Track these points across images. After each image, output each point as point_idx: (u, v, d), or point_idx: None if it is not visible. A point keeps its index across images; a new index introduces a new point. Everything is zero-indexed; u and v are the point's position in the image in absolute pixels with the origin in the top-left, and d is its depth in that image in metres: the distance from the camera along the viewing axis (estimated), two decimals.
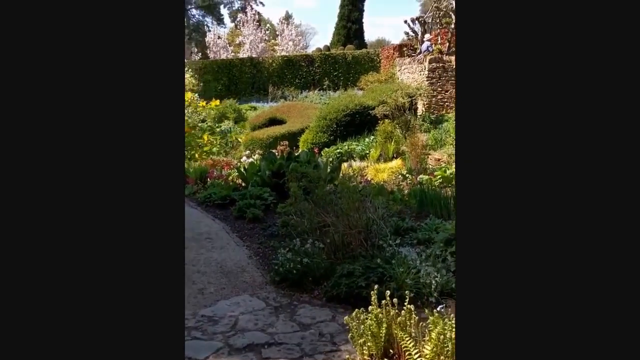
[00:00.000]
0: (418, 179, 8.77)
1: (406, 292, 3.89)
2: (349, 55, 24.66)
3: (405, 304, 3.09)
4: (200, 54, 34.81)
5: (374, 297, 2.90)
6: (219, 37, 35.31)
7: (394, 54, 19.68)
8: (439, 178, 8.69)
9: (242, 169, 8.97)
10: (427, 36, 14.55)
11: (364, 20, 34.67)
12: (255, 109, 18.98)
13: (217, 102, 14.80)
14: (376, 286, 3.92)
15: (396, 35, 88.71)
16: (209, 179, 9.04)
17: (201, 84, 20.18)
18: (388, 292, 3.21)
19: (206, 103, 13.89)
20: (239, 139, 13.76)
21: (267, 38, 35.01)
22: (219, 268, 5.00)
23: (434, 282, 3.93)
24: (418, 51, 14.87)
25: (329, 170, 8.83)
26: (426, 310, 3.08)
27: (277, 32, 36.32)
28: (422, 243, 5.32)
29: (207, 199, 7.76)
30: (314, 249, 4.59)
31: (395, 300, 3.19)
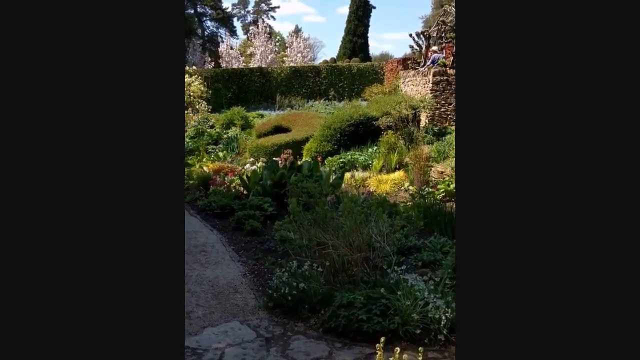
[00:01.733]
0: (421, 191, 8.12)
1: (412, 328, 3.26)
2: (354, 67, 24.12)
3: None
4: (213, 63, 34.31)
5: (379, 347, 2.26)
6: (231, 48, 34.98)
7: (397, 67, 19.10)
8: (442, 192, 8.05)
9: (245, 177, 8.35)
10: (434, 48, 13.91)
11: (368, 35, 34.38)
12: (262, 116, 18.37)
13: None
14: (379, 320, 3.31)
15: (398, 50, 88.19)
16: (211, 186, 8.42)
17: (210, 92, 19.58)
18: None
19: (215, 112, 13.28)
20: (245, 146, 13.16)
21: (277, 50, 34.62)
22: (211, 287, 4.37)
23: (443, 317, 3.29)
24: (423, 63, 14.23)
25: (331, 180, 8.21)
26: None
27: (287, 45, 35.88)
28: (427, 265, 4.69)
29: (207, 207, 7.14)
30: (312, 271, 3.95)
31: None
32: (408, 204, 7.61)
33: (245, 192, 7.97)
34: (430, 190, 8.03)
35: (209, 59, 35.05)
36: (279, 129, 13.89)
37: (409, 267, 4.66)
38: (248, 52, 35.22)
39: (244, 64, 32.80)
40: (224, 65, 32.33)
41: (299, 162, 9.24)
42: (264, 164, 9.57)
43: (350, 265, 4.01)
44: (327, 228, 4.11)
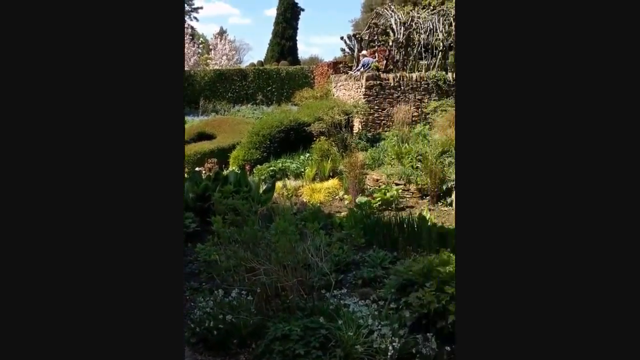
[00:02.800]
0: (357, 200, 7.95)
1: None
2: (283, 70, 23.87)
3: None
4: None
5: None
6: None
7: (328, 70, 19.06)
8: (379, 200, 7.93)
9: None
10: (364, 52, 13.92)
11: (297, 38, 34.34)
12: (184, 122, 17.65)
13: None
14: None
15: (328, 54, 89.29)
16: None
17: None
18: None
19: None
20: None
21: (200, 52, 33.65)
22: None
23: (390, 347, 3.04)
24: (355, 67, 14.22)
25: (261, 191, 7.83)
26: None
27: (211, 47, 35.02)
28: (368, 284, 4.45)
29: None
30: (241, 300, 3.57)
31: None
32: (343, 214, 7.40)
33: None
34: (366, 199, 7.88)
35: None
36: (202, 136, 13.31)
37: (348, 285, 4.40)
38: None
39: None
40: None
41: (224, 172, 8.77)
42: (186, 175, 9.00)
43: (285, 290, 3.67)
44: (257, 250, 3.75)
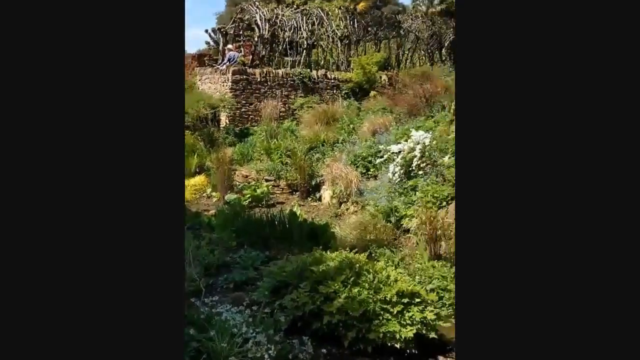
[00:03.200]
0: (226, 198, 7.64)
1: None
2: None
3: None
4: None
5: None
6: None
7: (192, 63, 18.27)
8: (249, 197, 7.70)
9: None
10: (230, 46, 13.52)
11: None
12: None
13: None
14: None
15: (190, 46, 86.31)
16: None
17: None
18: None
19: None
20: None
21: None
22: None
23: (266, 355, 2.85)
24: (220, 61, 13.76)
25: None
26: None
27: None
28: (240, 287, 4.22)
29: None
30: None
31: None
32: (212, 212, 7.06)
33: None
34: (236, 196, 7.61)
35: None
36: None
37: (220, 290, 4.13)
38: None
39: None
40: None
41: None
42: None
43: None
44: None
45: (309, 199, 8.04)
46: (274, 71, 12.54)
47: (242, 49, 14.06)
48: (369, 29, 15.09)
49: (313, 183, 8.16)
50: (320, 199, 7.91)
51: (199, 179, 8.74)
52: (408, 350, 3.40)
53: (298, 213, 6.44)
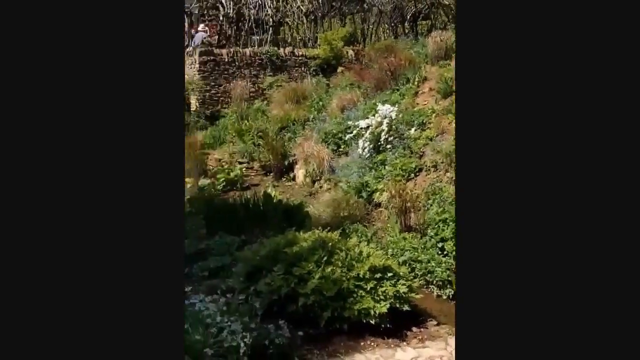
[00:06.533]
0: (199, 183, 7.48)
1: None
2: None
3: None
4: None
5: None
6: None
7: None
8: (222, 181, 7.56)
9: None
10: (201, 26, 13.07)
11: None
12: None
13: None
14: None
15: None
16: None
17: None
18: None
19: None
20: None
21: None
22: None
23: (242, 344, 2.80)
24: (187, 43, 13.32)
25: None
26: None
27: None
28: (215, 274, 4.14)
29: None
30: None
31: None
32: (186, 198, 6.91)
33: None
34: (209, 181, 7.45)
35: None
36: None
37: (194, 279, 4.03)
38: None
39: None
40: None
41: None
42: None
43: None
44: None
45: (283, 179, 7.94)
46: (241, 51, 12.21)
47: (207, 29, 13.63)
48: (334, 4, 14.77)
49: (286, 163, 8.04)
50: (294, 179, 7.81)
51: None
52: (383, 325, 3.39)
53: (273, 194, 6.34)
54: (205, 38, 12.51)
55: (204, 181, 7.49)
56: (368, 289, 3.52)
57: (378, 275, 3.63)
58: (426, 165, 5.98)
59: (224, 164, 8.35)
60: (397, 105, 7.12)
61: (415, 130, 6.56)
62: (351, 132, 7.24)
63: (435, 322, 3.74)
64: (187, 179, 8.06)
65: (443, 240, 4.57)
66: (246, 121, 9.59)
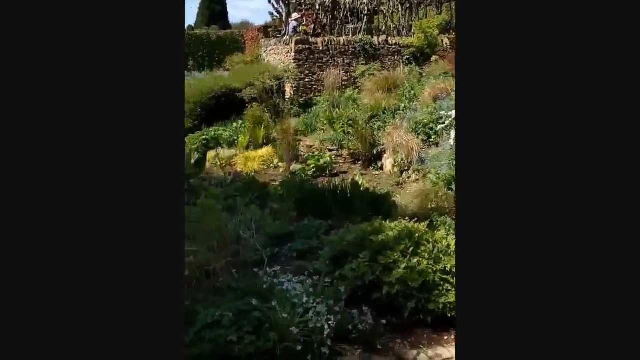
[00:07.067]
0: (291, 168, 7.68)
1: (292, 344, 2.76)
2: (214, 35, 22.67)
3: None
4: None
5: None
6: None
7: (258, 35, 18.26)
8: (313, 167, 7.69)
9: None
10: (294, 15, 13.33)
11: (227, 2, 32.82)
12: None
13: None
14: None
15: (258, 18, 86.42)
16: None
17: None
18: None
19: None
20: None
21: None
22: None
23: (326, 326, 2.84)
24: (283, 32, 13.64)
25: (193, 161, 7.36)
26: None
27: None
28: (303, 256, 4.23)
29: None
30: None
31: None
32: (278, 182, 7.12)
33: None
34: (300, 166, 7.62)
35: None
36: None
37: (284, 260, 4.16)
38: None
39: None
40: None
41: None
42: None
43: (215, 271, 3.38)
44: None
45: (371, 168, 7.90)
46: (335, 39, 12.26)
47: (304, 18, 13.84)
48: None
49: (375, 152, 7.99)
50: (382, 168, 7.75)
51: (266, 150, 8.83)
52: None
53: (360, 182, 6.35)
54: (298, 27, 12.71)
55: (295, 166, 7.67)
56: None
57: None
58: None
59: (314, 150, 8.49)
60: None
61: None
62: (443, 123, 7.03)
63: None
64: (280, 163, 8.32)
65: None
66: (337, 109, 9.65)
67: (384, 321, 3.13)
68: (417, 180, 6.58)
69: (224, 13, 32.61)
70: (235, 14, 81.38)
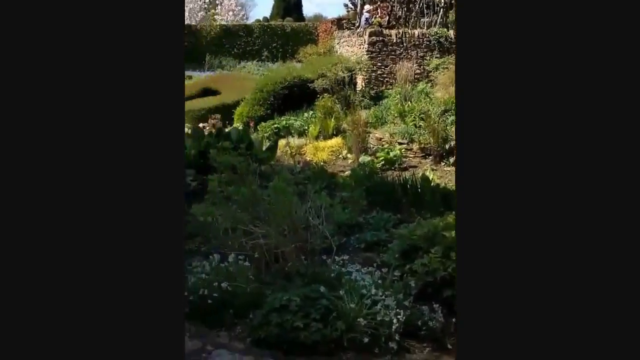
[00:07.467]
0: (360, 160, 7.56)
1: (359, 335, 2.67)
2: (288, 26, 22.93)
3: None
4: None
5: None
6: None
7: (332, 27, 18.22)
8: (382, 160, 7.54)
9: None
10: (367, 7, 13.14)
11: None
12: (190, 78, 17.02)
13: None
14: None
15: (331, 12, 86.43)
16: None
17: None
18: None
19: None
20: None
21: (207, 7, 32.42)
22: None
23: (395, 320, 2.72)
24: (357, 24, 13.49)
25: (264, 148, 7.44)
26: None
27: (217, 2, 33.70)
28: (371, 248, 4.12)
29: None
30: (238, 266, 3.25)
31: None
32: (347, 173, 7.04)
33: None
34: (369, 158, 7.48)
35: None
36: (207, 92, 12.77)
37: (351, 250, 4.07)
38: None
39: None
40: None
41: (227, 129, 8.35)
42: (188, 131, 8.58)
43: (284, 256, 3.34)
44: (255, 212, 3.40)
45: (442, 164, 7.63)
46: (409, 32, 11.95)
47: (378, 10, 13.60)
48: None
49: (447, 147, 7.70)
50: (454, 164, 7.45)
51: (336, 141, 8.77)
52: None
53: (430, 177, 6.13)
54: (370, 18, 12.50)
55: (364, 158, 7.55)
56: None
57: None
58: None
59: (384, 143, 8.32)
60: None
61: None
62: None
63: None
64: (348, 155, 8.23)
65: None
66: (409, 102, 9.40)
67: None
68: None
69: (299, 5, 32.91)
70: (310, 7, 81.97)
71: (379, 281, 3.08)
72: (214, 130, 7.92)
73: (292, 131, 9.67)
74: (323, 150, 8.42)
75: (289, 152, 8.33)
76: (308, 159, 8.11)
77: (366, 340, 2.67)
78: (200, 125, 9.42)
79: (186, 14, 30.35)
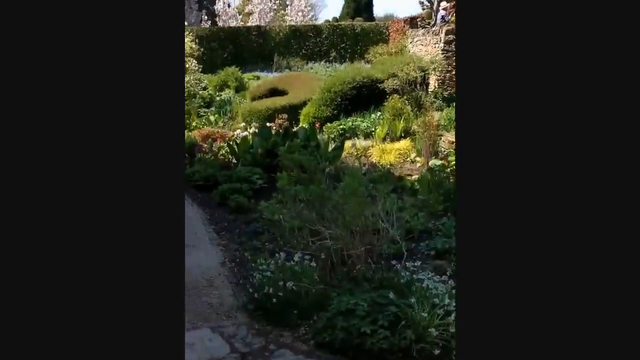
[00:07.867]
0: (430, 163, 7.36)
1: (429, 346, 2.56)
2: (358, 26, 22.90)
3: None
4: (209, 22, 32.80)
5: None
6: (228, 6, 33.46)
7: (404, 27, 17.97)
8: (453, 164, 7.28)
9: (234, 144, 7.55)
10: (443, 4, 12.82)
11: None
12: (258, 78, 17.40)
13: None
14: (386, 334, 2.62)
15: (404, 11, 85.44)
16: (196, 154, 7.63)
17: (201, 50, 18.40)
18: None
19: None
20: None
21: (276, 8, 33.12)
22: None
23: None
24: (432, 22, 13.20)
25: (330, 149, 7.43)
26: None
27: (287, 3, 34.33)
28: (442, 255, 3.97)
29: (190, 177, 6.38)
30: (304, 266, 3.23)
31: None
32: (414, 177, 6.87)
33: (234, 162, 7.20)
34: (440, 162, 7.26)
35: (205, 18, 33.57)
36: (275, 92, 12.99)
37: (420, 256, 3.95)
38: (246, 10, 33.77)
39: (241, 22, 31.47)
40: (220, 24, 30.95)
41: (294, 129, 8.43)
42: (256, 130, 8.75)
43: (352, 258, 3.29)
44: (323, 212, 3.37)
45: None
46: None
47: (454, 7, 13.25)
48: None
49: None
50: None
51: (404, 143, 8.60)
52: None
53: None
54: (447, 16, 12.18)
55: (434, 162, 7.34)
56: None
57: None
58: None
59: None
60: None
61: None
62: None
63: None
64: (417, 158, 8.04)
65: None
66: None
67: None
68: None
69: (370, 5, 32.81)
70: (381, 6, 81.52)
71: (453, 291, 2.94)
72: (281, 130, 8.03)
73: (358, 132, 9.60)
74: (390, 152, 8.28)
75: (355, 153, 8.27)
76: (374, 161, 8.01)
77: (437, 352, 2.56)
78: (268, 124, 9.57)
79: (256, 15, 31.15)
